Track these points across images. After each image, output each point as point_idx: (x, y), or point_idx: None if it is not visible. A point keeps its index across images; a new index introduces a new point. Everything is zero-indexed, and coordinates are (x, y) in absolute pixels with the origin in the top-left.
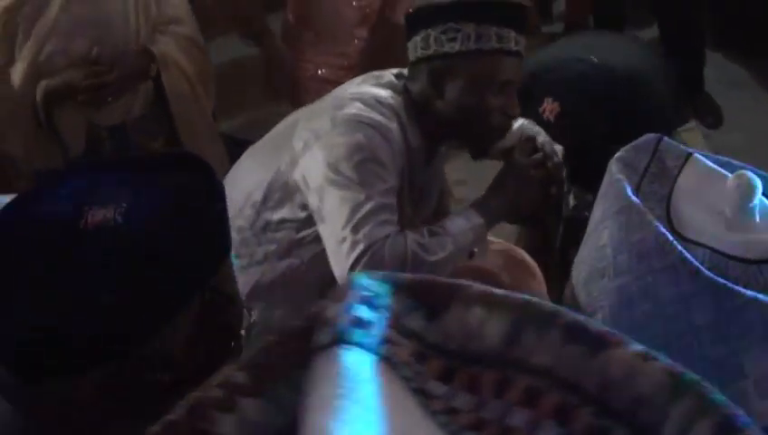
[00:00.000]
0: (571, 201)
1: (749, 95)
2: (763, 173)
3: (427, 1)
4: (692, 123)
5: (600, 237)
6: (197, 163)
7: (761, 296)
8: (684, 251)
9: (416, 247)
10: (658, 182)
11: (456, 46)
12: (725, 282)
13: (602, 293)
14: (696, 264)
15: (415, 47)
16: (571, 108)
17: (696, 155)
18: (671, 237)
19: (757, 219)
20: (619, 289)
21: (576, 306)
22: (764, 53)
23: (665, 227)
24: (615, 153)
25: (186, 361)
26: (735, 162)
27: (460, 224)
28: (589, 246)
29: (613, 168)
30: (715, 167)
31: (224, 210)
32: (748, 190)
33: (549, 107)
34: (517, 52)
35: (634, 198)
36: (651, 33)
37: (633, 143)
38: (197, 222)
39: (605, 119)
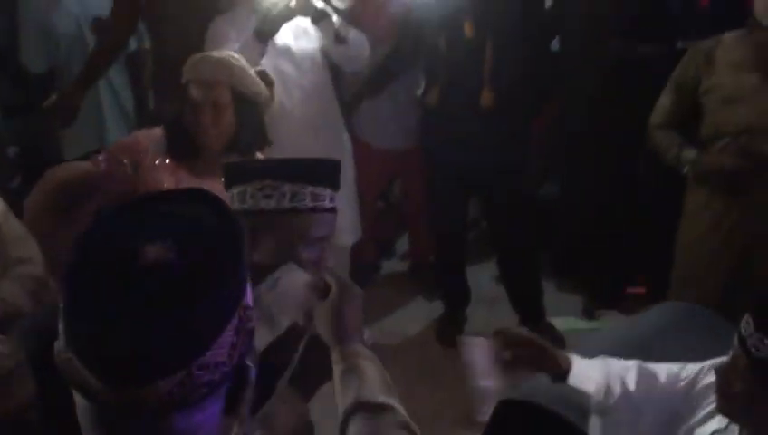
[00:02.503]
0: None
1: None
2: None
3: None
4: None
5: None
6: (206, 196)
7: None
8: None
9: None
10: None
11: (272, 204)
12: None
13: None
14: None
15: (232, 199)
16: None
17: None
18: None
19: None
20: None
21: None
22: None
23: None
24: None
25: (230, 362)
26: None
27: None
28: None
29: None
30: None
31: (242, 234)
32: None
33: None
34: (332, 208)
35: None
36: (491, 270)
37: None
38: (230, 249)
39: None
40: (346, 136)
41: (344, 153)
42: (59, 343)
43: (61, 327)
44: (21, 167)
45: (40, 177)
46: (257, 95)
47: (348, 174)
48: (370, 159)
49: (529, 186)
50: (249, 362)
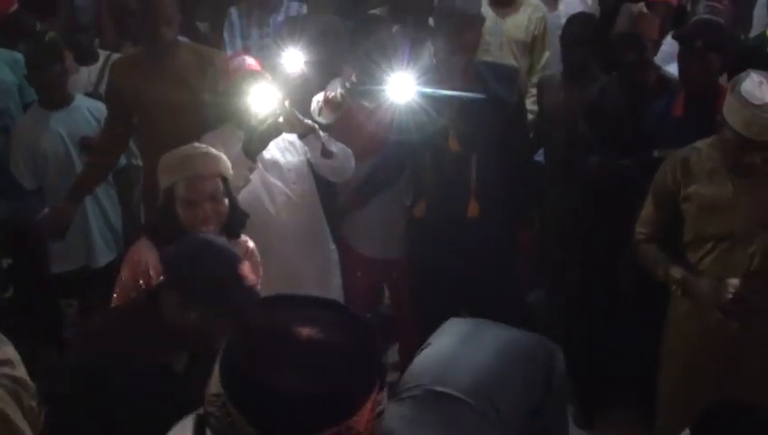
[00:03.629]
0: None
1: None
2: None
3: None
4: None
5: None
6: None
7: None
8: None
9: None
10: None
11: None
12: None
13: None
14: None
15: None
16: None
17: None
18: None
19: None
20: None
21: None
22: None
23: None
24: None
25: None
26: None
27: None
28: None
29: None
30: None
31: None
32: None
33: None
34: None
35: None
36: None
37: None
38: (363, 329)
39: None
40: (333, 246)
41: (329, 263)
42: (211, 394)
43: (221, 381)
44: (13, 279)
45: (30, 288)
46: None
47: (334, 283)
48: (358, 266)
49: (517, 292)
50: None
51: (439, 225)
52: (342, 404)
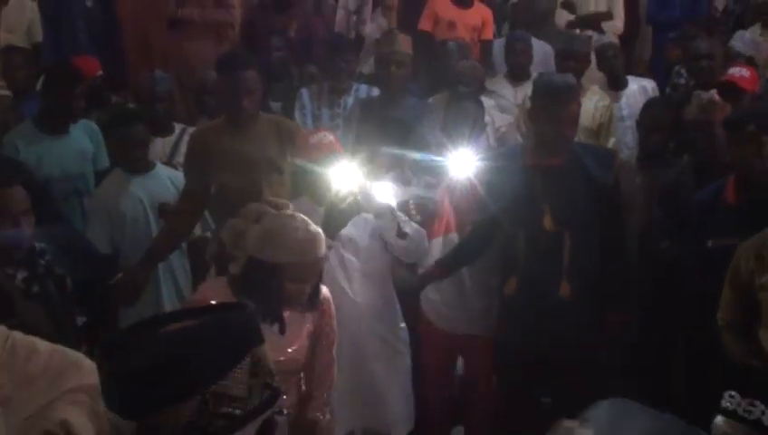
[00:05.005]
0: None
1: None
2: None
3: None
4: None
5: None
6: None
7: None
8: None
9: None
10: None
11: None
12: None
13: None
14: None
15: None
16: None
17: None
18: None
19: None
20: None
21: None
22: None
23: None
24: None
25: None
26: None
27: None
28: None
29: None
30: None
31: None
32: None
33: None
34: None
35: None
36: None
37: None
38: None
39: None
40: (403, 325)
41: (399, 342)
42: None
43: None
44: (87, 337)
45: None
46: None
47: (403, 363)
48: (436, 342)
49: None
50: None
51: (529, 303)
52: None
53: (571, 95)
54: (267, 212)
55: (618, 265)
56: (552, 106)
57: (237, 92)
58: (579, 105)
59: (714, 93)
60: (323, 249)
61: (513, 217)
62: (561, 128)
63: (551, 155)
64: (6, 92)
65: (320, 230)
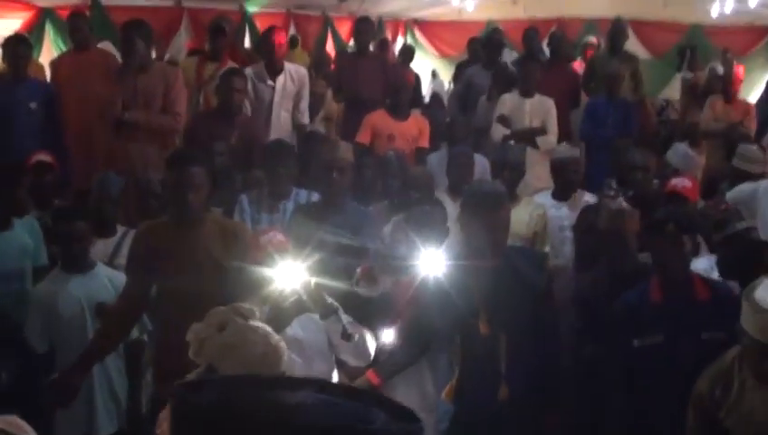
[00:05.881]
0: None
1: None
2: None
3: None
4: None
5: None
6: None
7: None
8: None
9: None
10: None
11: None
12: None
13: None
14: None
15: None
16: None
17: None
18: None
19: None
20: None
21: None
22: None
23: None
24: None
25: None
26: None
27: None
28: None
29: None
30: None
31: None
32: None
33: None
34: None
35: None
36: None
37: None
38: None
39: None
40: None
41: None
42: None
43: None
44: None
45: None
46: None
47: None
48: None
49: None
50: None
51: (469, 409)
52: None
53: (501, 201)
54: (232, 320)
55: (553, 367)
56: (481, 212)
57: (183, 187)
58: (508, 211)
59: (621, 201)
60: (282, 363)
61: (449, 320)
62: (493, 233)
63: (482, 258)
64: None
65: (281, 344)
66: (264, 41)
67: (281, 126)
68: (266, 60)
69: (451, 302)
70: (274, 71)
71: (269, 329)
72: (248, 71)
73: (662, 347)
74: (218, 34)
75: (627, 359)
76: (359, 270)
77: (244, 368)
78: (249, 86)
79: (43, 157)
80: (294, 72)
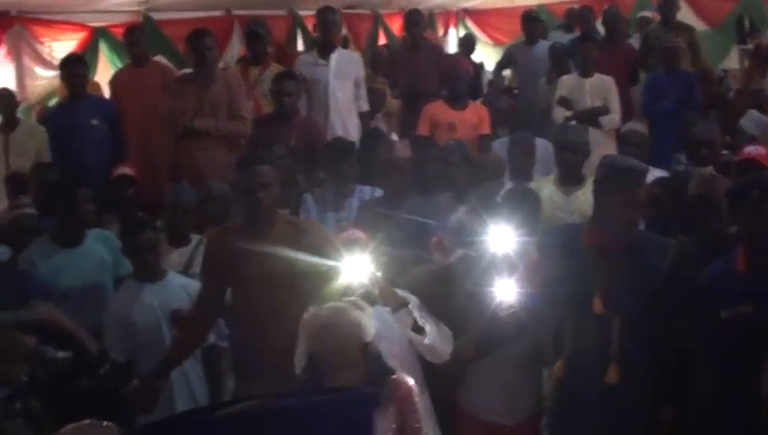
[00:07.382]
0: None
1: None
2: None
3: None
4: None
5: None
6: None
7: None
8: None
9: None
10: None
11: None
12: None
13: None
14: None
15: None
16: None
17: None
18: None
19: None
20: None
21: None
22: None
23: None
24: None
25: None
26: None
27: None
28: None
29: None
30: None
31: None
32: None
33: None
34: None
35: None
36: None
37: None
38: None
39: None
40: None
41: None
42: None
43: None
44: None
45: None
46: None
47: None
48: (476, 433)
49: None
50: None
51: (576, 390)
52: None
53: (639, 178)
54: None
55: (668, 359)
56: (619, 188)
57: (253, 186)
58: (645, 189)
59: (711, 169)
60: (332, 339)
61: (562, 298)
62: (628, 210)
63: (612, 237)
64: (32, 211)
65: (337, 320)
66: (317, 19)
67: (339, 109)
68: (320, 39)
69: (568, 278)
70: (327, 51)
71: (345, 308)
72: (301, 58)
73: (751, 317)
74: (253, 39)
75: (715, 330)
76: (433, 239)
77: (311, 344)
78: (304, 71)
79: (126, 170)
80: (347, 55)
